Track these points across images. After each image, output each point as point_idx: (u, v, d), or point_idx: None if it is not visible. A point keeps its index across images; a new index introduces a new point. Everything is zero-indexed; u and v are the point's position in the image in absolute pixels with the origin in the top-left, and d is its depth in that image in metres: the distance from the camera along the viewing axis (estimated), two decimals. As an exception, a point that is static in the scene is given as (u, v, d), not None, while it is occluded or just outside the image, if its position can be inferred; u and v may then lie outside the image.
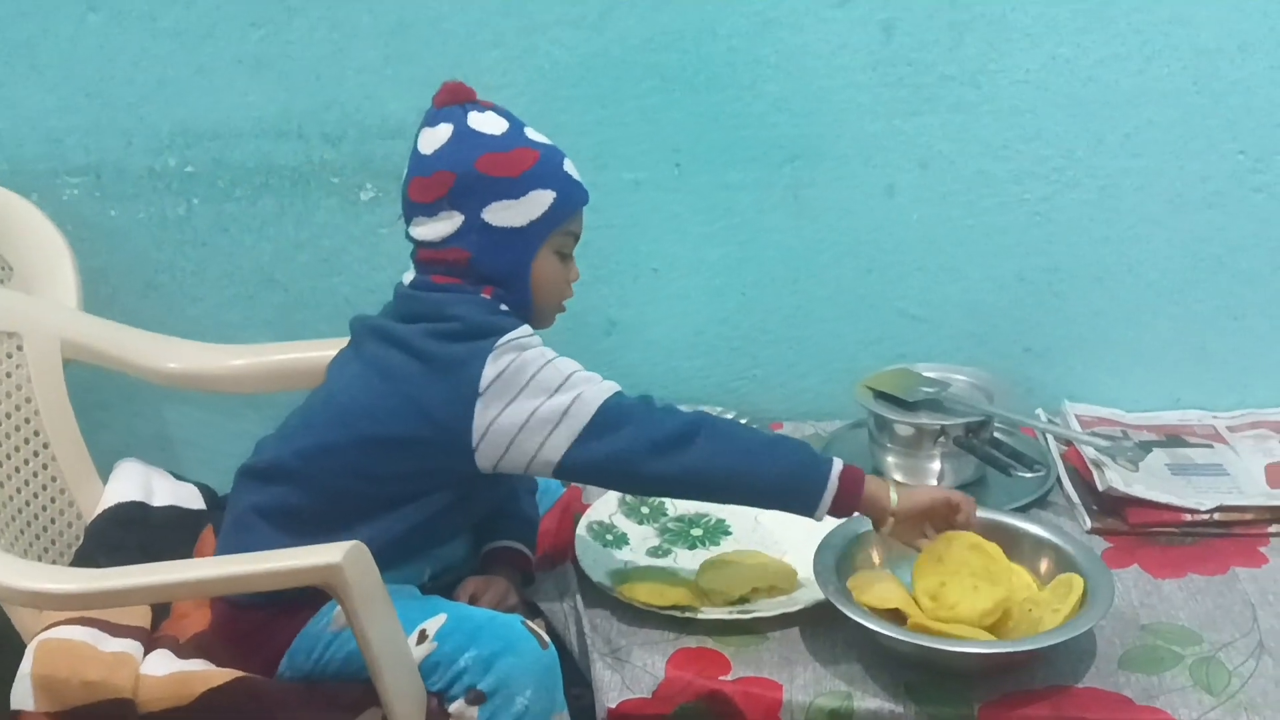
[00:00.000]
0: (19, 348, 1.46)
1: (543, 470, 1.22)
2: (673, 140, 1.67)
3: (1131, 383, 1.72)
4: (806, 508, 1.23)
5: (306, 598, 1.22)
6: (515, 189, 1.24)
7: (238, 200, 1.74)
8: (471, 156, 1.24)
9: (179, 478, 1.58)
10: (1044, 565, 1.32)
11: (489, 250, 1.25)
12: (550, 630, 1.36)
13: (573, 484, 1.57)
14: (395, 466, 1.24)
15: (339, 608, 1.16)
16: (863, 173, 1.67)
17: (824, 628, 1.30)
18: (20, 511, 1.38)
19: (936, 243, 1.69)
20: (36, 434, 1.45)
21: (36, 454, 1.44)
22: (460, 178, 1.24)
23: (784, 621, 1.31)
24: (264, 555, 1.13)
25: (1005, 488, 1.53)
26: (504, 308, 1.26)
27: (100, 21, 1.66)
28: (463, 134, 1.25)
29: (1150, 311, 1.70)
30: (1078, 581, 1.25)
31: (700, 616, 1.31)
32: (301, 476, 1.26)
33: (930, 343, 1.73)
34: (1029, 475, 1.47)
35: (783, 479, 1.23)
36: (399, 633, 1.18)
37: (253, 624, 1.26)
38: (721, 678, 1.24)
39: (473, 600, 1.32)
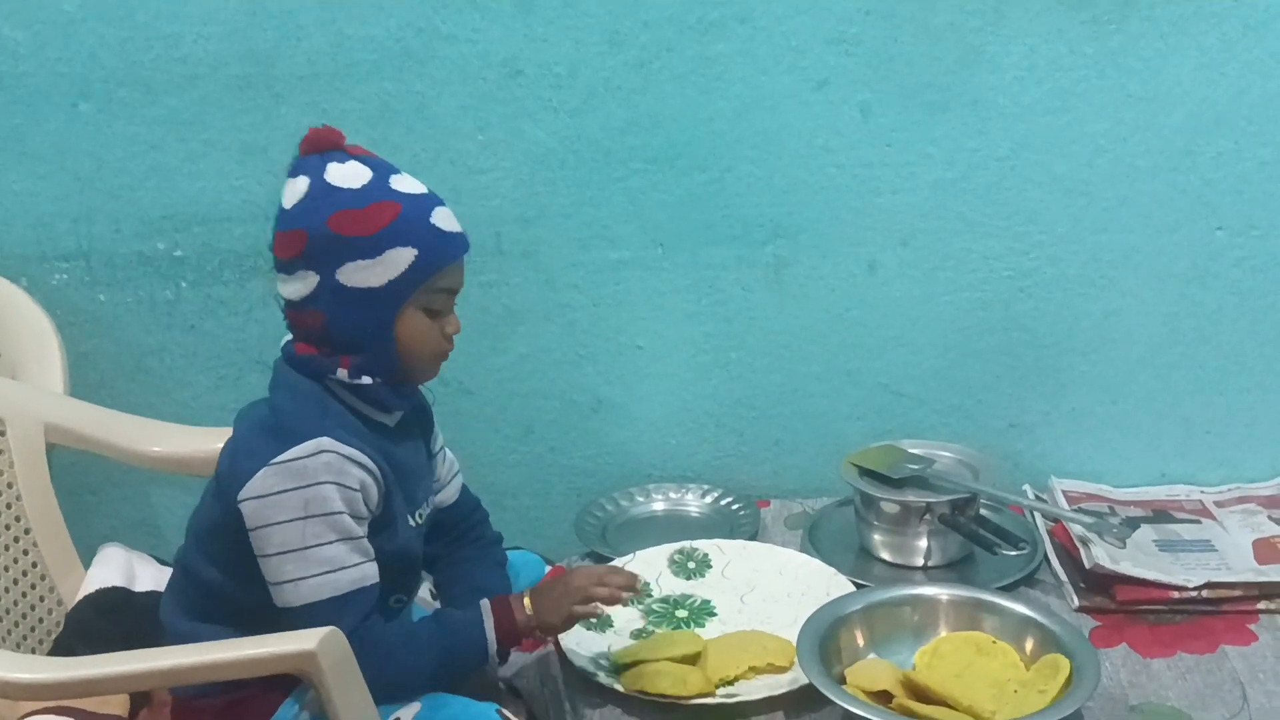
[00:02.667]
0: (2, 433, 1.46)
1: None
2: (656, 220, 1.69)
3: (1118, 458, 1.72)
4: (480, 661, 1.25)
5: (269, 684, 1.21)
6: (370, 248, 1.16)
7: (226, 284, 1.75)
8: (324, 214, 1.17)
9: (162, 562, 1.57)
10: (1029, 645, 1.30)
11: (344, 313, 1.18)
12: (531, 716, 1.35)
13: (557, 564, 1.57)
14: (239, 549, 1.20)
15: (308, 695, 1.14)
16: (844, 250, 1.69)
17: (809, 711, 1.28)
18: (0, 598, 1.37)
19: (919, 319, 1.70)
20: (18, 519, 1.44)
21: (17, 539, 1.43)
22: (313, 237, 1.17)
23: (769, 705, 1.30)
24: (238, 642, 1.13)
25: (993, 565, 1.52)
26: (364, 379, 1.20)
27: (91, 110, 1.68)
28: (318, 189, 1.18)
29: (1134, 386, 1.70)
30: (1063, 662, 1.24)
31: (684, 702, 1.30)
32: (192, 580, 1.26)
33: (916, 418, 1.73)
34: (1014, 553, 1.47)
35: (461, 662, 1.25)
36: (373, 720, 1.17)
37: (215, 712, 1.24)
38: (705, 764, 1.23)
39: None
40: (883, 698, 1.24)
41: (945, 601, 1.35)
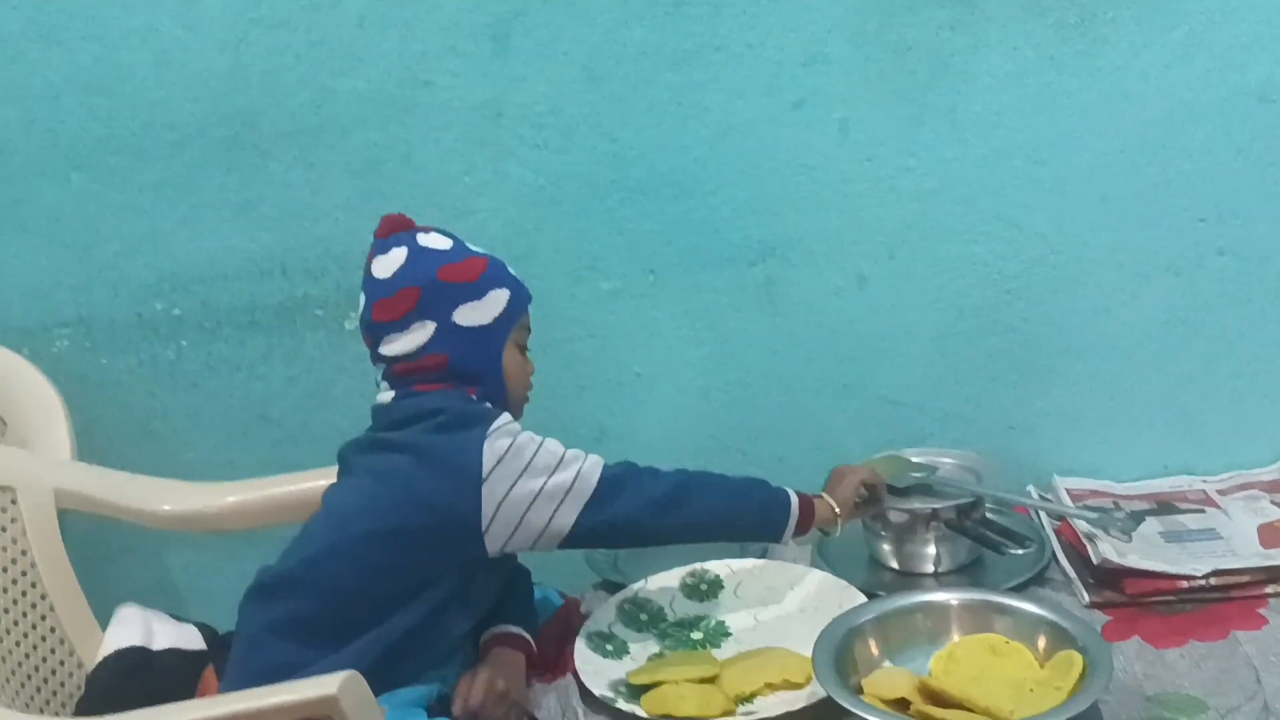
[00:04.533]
0: (13, 501, 1.48)
1: (550, 543, 1.31)
2: (645, 249, 1.71)
3: (1119, 453, 1.73)
4: (775, 536, 1.41)
5: None
6: (477, 291, 1.36)
7: (226, 341, 1.77)
8: (432, 269, 1.35)
9: (179, 619, 1.58)
10: (1043, 643, 1.30)
11: (465, 349, 1.35)
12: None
13: (570, 597, 1.58)
14: (399, 559, 1.28)
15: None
16: (833, 265, 1.70)
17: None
18: (20, 665, 1.39)
19: (911, 328, 1.72)
20: (34, 585, 1.45)
21: (35, 606, 1.45)
22: (425, 289, 1.34)
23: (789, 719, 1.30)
24: (259, 692, 1.13)
25: (1002, 567, 1.53)
26: (487, 404, 1.34)
27: (83, 180, 1.71)
28: (417, 252, 1.36)
29: (1129, 380, 1.71)
30: (1077, 658, 1.24)
31: (704, 723, 1.31)
32: (307, 584, 1.30)
33: (917, 426, 1.74)
34: (1020, 552, 1.48)
35: (759, 516, 1.40)
36: (399, 762, 1.18)
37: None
38: (729, 782, 1.23)
39: (466, 699, 1.32)
40: (901, 705, 1.24)
41: (956, 606, 1.36)
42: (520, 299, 1.40)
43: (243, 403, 1.79)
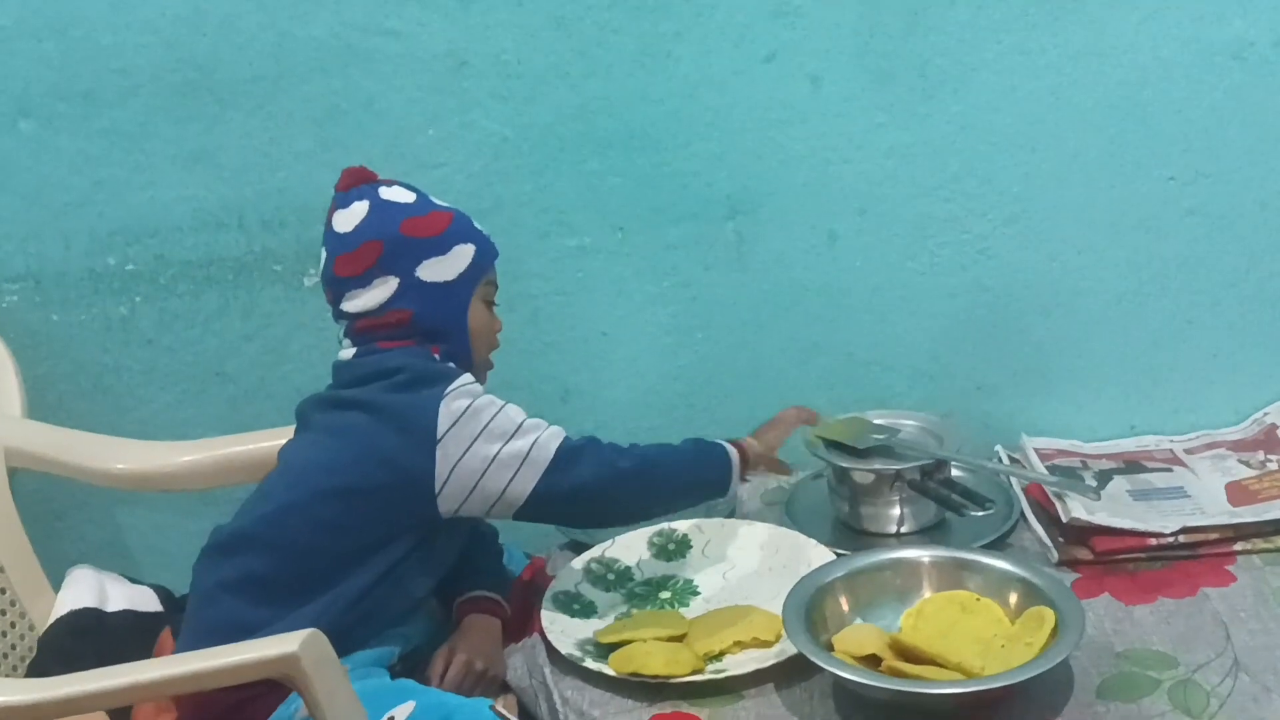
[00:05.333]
0: (-40, 459, 1.43)
1: (505, 512, 1.28)
2: (613, 204, 1.68)
3: (1087, 412, 1.73)
4: (721, 493, 1.41)
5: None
6: (441, 246, 1.33)
7: (181, 296, 1.73)
8: (395, 223, 1.32)
9: (134, 581, 1.55)
10: (1014, 600, 1.30)
11: (428, 306, 1.32)
12: (521, 708, 1.34)
13: (535, 556, 1.56)
14: (355, 516, 1.26)
15: (307, 695, 1.13)
16: (803, 222, 1.68)
17: (799, 681, 1.28)
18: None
19: (881, 286, 1.71)
20: (-17, 546, 1.41)
21: (-16, 566, 1.41)
22: (387, 243, 1.31)
23: (758, 678, 1.29)
24: (217, 651, 1.10)
25: (969, 528, 1.52)
26: (450, 364, 1.31)
27: (32, 128, 1.66)
28: (379, 205, 1.34)
29: (1098, 339, 1.71)
30: (1048, 614, 1.24)
31: (672, 680, 1.29)
32: (263, 541, 1.27)
33: (884, 385, 1.73)
34: (981, 514, 1.47)
35: (707, 480, 1.39)
36: (362, 722, 1.15)
37: (220, 708, 1.22)
38: (699, 742, 1.22)
39: (441, 677, 1.30)
40: (871, 662, 1.24)
41: (927, 563, 1.35)
42: (486, 254, 1.37)
43: (198, 359, 1.75)
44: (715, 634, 1.35)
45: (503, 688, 1.36)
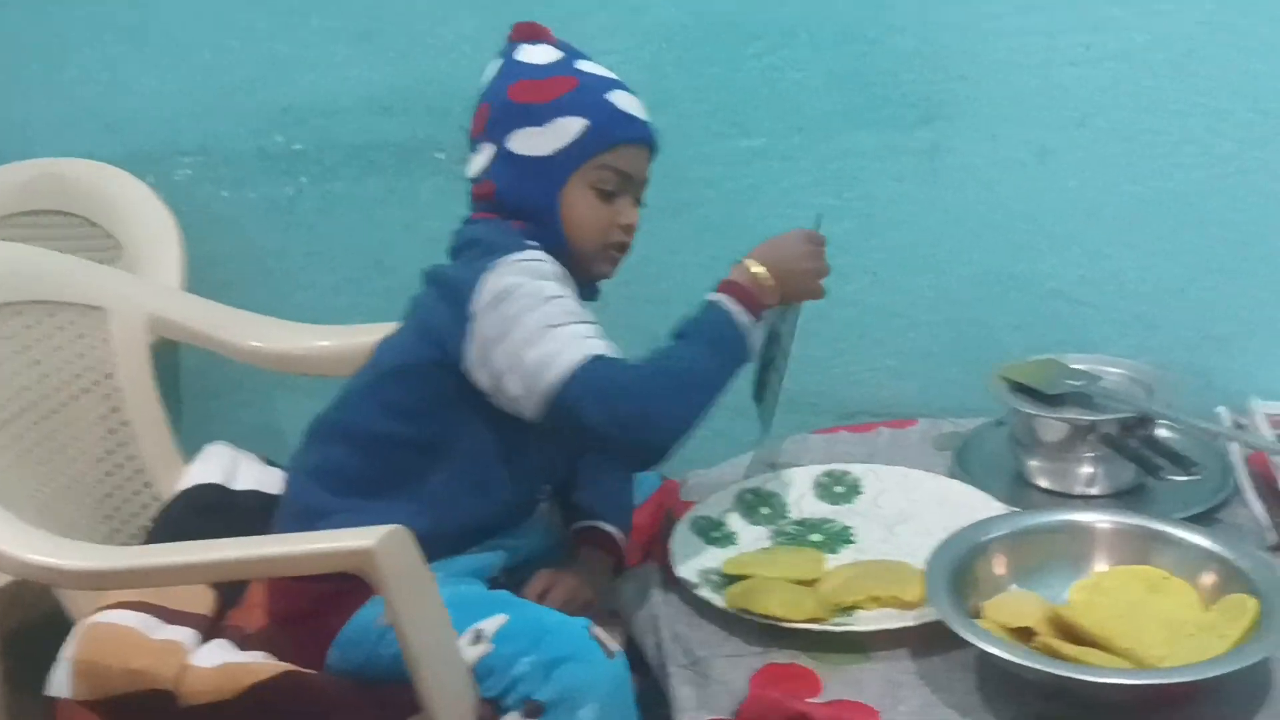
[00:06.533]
0: (103, 322, 1.43)
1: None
2: (794, 102, 1.56)
3: (1336, 376, 1.48)
4: (747, 358, 1.19)
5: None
6: (542, 115, 1.19)
7: (344, 180, 1.71)
8: (506, 85, 1.21)
9: (270, 463, 1.52)
10: (1210, 582, 1.11)
11: (513, 181, 1.20)
12: (629, 642, 1.23)
13: (669, 478, 1.43)
14: (413, 398, 1.18)
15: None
16: (1010, 133, 1.51)
17: (939, 650, 1.12)
18: (92, 489, 1.34)
19: (1098, 213, 1.52)
20: (115, 410, 1.40)
21: (113, 431, 1.40)
22: (494, 107, 1.21)
23: (891, 640, 1.14)
24: (293, 537, 1.05)
25: (1175, 496, 1.30)
26: (533, 243, 1.18)
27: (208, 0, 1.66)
28: (507, 65, 1.23)
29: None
30: (1251, 603, 1.06)
31: (793, 626, 1.15)
32: (342, 427, 1.22)
33: (1091, 329, 1.55)
34: (1182, 479, 1.25)
35: (728, 366, 1.16)
36: (445, 631, 1.07)
37: (305, 602, 1.17)
38: (810, 699, 1.08)
39: (541, 597, 1.20)
40: (1023, 635, 1.07)
41: (1109, 530, 1.17)
42: (605, 133, 1.19)
43: (359, 247, 1.74)
44: (851, 584, 1.21)
45: (612, 616, 1.25)
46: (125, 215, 1.70)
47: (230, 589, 1.29)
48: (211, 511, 1.39)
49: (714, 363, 1.15)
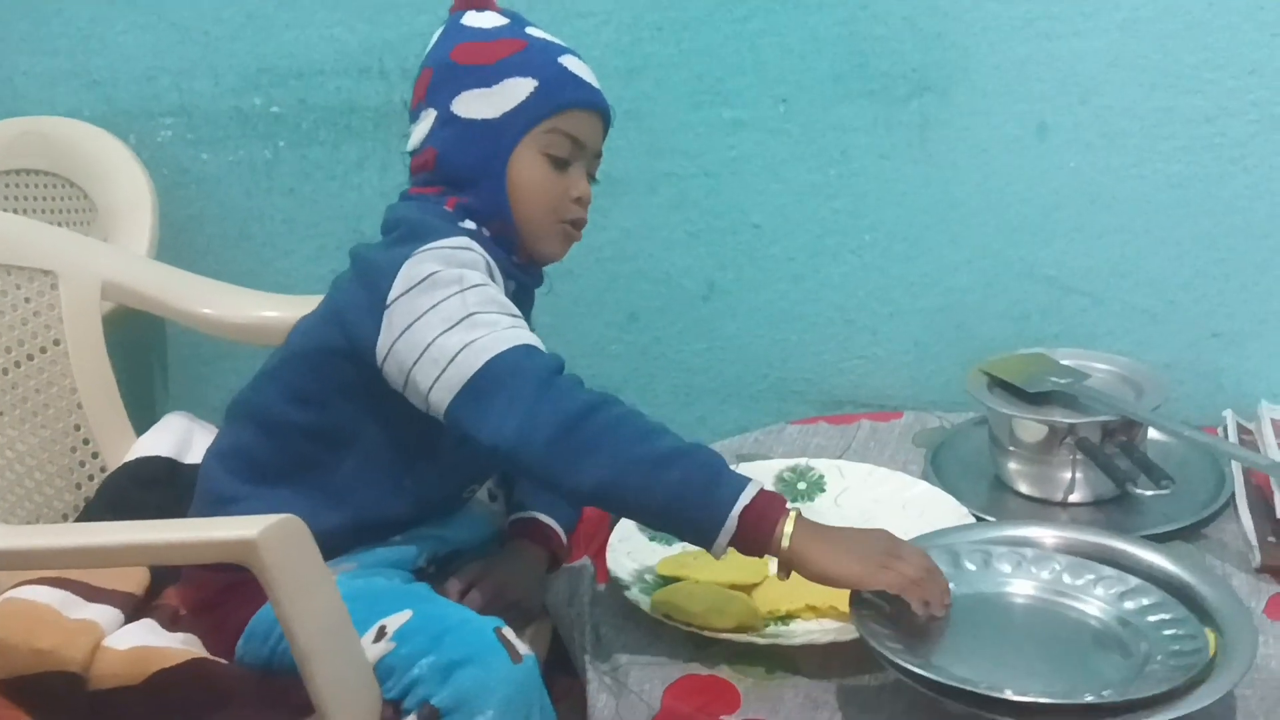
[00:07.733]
0: (53, 286, 1.40)
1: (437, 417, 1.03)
2: (778, 71, 1.47)
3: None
4: (702, 540, 0.99)
5: None
6: (488, 76, 1.11)
7: (322, 144, 1.67)
8: (449, 48, 1.13)
9: (231, 435, 1.49)
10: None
11: (456, 146, 1.11)
12: (556, 640, 1.17)
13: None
14: (318, 383, 1.10)
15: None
16: (1006, 108, 1.42)
17: (871, 668, 1.04)
18: (56, 459, 1.33)
19: (1099, 196, 1.42)
20: (64, 377, 1.38)
21: (61, 399, 1.37)
22: (437, 70, 1.13)
23: (821, 654, 1.06)
24: (177, 524, 1.01)
25: (1159, 508, 1.20)
26: (468, 223, 1.10)
27: (186, -46, 1.62)
28: (451, 30, 1.15)
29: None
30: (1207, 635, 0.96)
31: (719, 636, 1.08)
32: (250, 410, 1.16)
33: (1090, 321, 1.45)
34: (1150, 493, 1.15)
35: (676, 501, 0.98)
36: (341, 628, 1.01)
37: (214, 592, 1.13)
38: (724, 716, 1.01)
39: (463, 594, 1.15)
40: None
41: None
42: (555, 94, 1.11)
43: (336, 213, 1.69)
44: (791, 592, 1.12)
45: (544, 614, 1.19)
46: (103, 177, 1.67)
47: (163, 566, 1.26)
48: (155, 485, 1.35)
49: (666, 489, 0.97)
